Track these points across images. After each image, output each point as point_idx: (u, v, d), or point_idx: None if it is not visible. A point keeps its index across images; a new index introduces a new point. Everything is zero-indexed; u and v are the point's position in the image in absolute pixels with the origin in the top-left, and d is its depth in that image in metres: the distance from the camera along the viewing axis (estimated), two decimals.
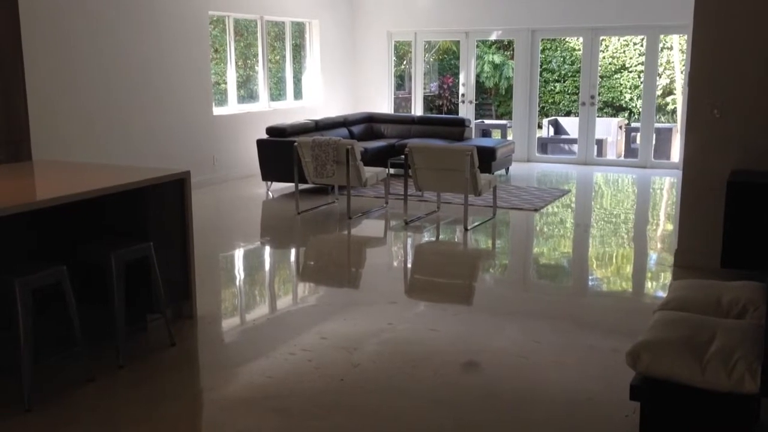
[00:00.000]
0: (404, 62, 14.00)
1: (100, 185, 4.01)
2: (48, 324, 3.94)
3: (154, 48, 8.58)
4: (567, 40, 15.92)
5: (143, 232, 4.32)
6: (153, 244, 4.14)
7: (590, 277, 6.09)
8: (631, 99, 15.82)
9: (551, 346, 4.31)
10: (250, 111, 10.40)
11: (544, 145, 13.15)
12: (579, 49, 14.26)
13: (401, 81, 14.02)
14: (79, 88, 7.67)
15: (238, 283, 5.89)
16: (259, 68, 10.73)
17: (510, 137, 12.53)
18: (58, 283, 3.63)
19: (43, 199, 3.72)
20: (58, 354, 3.95)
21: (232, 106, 10.23)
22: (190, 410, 3.57)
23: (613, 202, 9.40)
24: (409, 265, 6.46)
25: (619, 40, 15.62)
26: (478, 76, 14.31)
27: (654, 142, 11.55)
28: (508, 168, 10.70)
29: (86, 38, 7.69)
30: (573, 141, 12.55)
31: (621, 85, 15.99)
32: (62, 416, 3.40)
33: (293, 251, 6.95)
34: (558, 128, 14.16)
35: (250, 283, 5.89)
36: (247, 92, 10.82)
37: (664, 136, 12.36)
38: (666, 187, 10.09)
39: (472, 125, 11.63)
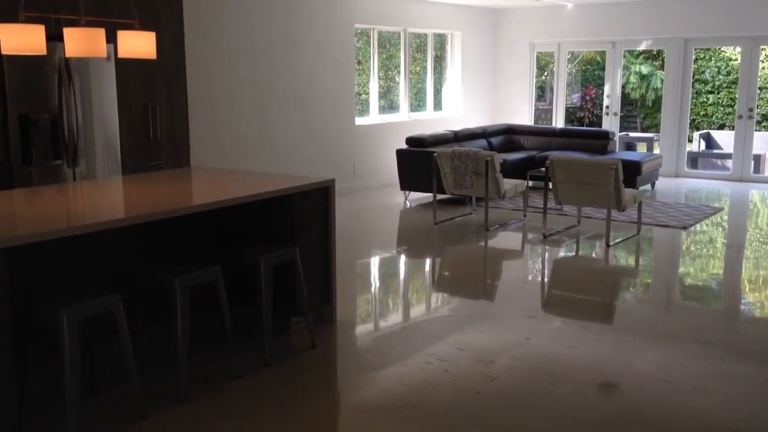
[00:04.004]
0: (545, 73, 13.77)
1: (251, 191, 4.23)
2: (200, 322, 4.20)
3: (303, 60, 8.94)
4: (723, 49, 15.07)
5: (289, 238, 4.52)
6: (298, 249, 4.33)
7: (743, 301, 5.73)
8: None
9: (697, 371, 4.10)
10: (391, 121, 10.60)
11: (694, 160, 12.50)
12: (736, 59, 13.49)
13: (542, 92, 13.80)
14: (232, 98, 8.12)
15: (374, 290, 6.02)
16: (401, 79, 10.92)
17: (656, 151, 12.02)
18: (212, 282, 3.87)
19: (200, 203, 3.96)
20: (208, 351, 4.20)
21: (374, 116, 10.48)
22: (329, 412, 3.70)
23: None
24: (547, 280, 6.35)
25: None
26: (623, 87, 13.84)
27: None
28: (654, 183, 10.28)
29: (240, 51, 8.13)
30: (727, 156, 11.86)
31: None
32: (213, 409, 3.62)
33: (429, 261, 7.02)
34: (710, 142, 13.42)
35: (386, 291, 6.01)
36: (388, 103, 11.03)
37: None
38: None
39: (616, 138, 11.25)
